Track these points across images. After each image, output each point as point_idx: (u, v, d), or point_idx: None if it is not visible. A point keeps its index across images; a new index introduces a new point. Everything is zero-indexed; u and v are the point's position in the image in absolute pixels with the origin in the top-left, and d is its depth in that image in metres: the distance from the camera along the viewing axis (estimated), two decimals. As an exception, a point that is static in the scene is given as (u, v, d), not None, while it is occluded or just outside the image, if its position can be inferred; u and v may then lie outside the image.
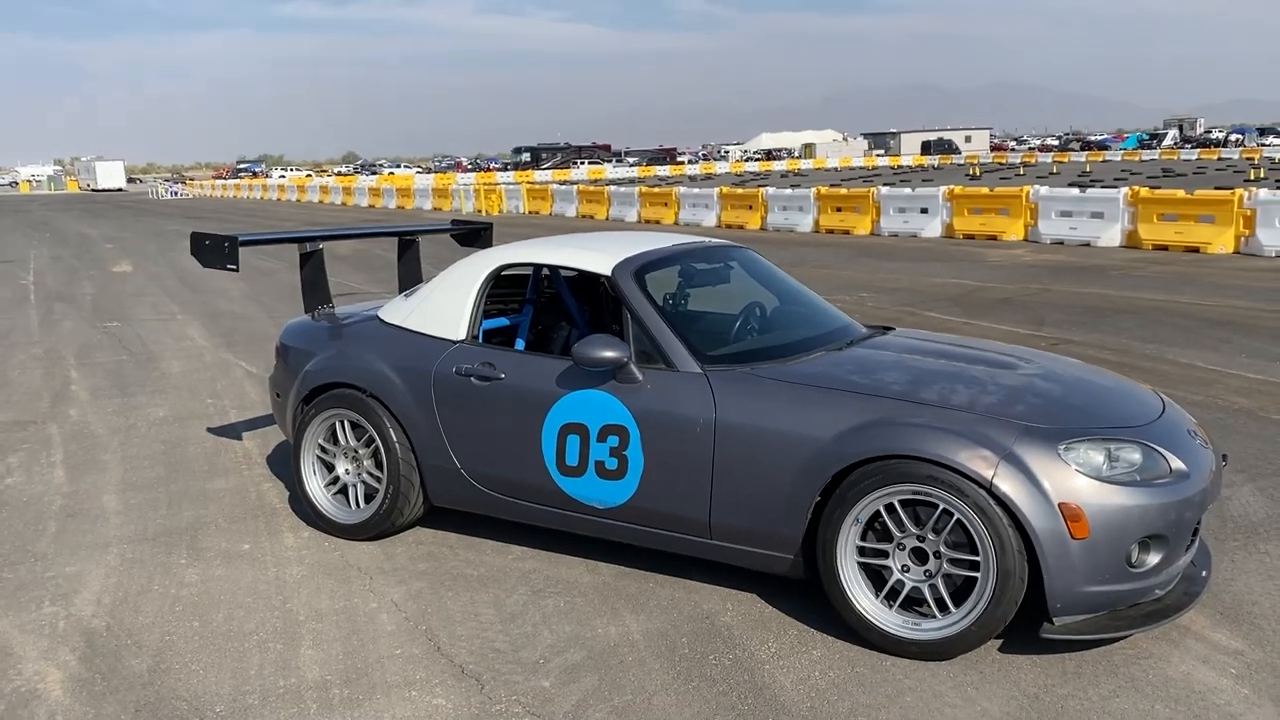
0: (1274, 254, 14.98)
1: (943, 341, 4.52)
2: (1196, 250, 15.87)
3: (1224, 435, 6.23)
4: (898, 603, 3.55)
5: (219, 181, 75.45)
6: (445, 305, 4.55)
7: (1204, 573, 3.86)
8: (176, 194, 65.56)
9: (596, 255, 4.32)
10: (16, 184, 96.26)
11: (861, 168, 73.68)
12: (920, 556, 3.51)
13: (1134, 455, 3.52)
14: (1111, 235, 17.21)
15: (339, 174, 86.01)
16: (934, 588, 3.49)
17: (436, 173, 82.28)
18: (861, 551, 3.58)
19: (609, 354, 3.89)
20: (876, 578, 3.60)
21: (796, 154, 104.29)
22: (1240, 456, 5.82)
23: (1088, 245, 17.37)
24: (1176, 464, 3.54)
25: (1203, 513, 3.57)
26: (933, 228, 20.19)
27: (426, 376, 4.43)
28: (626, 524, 4.04)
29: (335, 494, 4.74)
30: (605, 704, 3.22)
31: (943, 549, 3.46)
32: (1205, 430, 4.26)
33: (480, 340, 4.60)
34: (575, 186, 32.06)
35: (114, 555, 4.54)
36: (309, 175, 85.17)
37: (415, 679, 3.39)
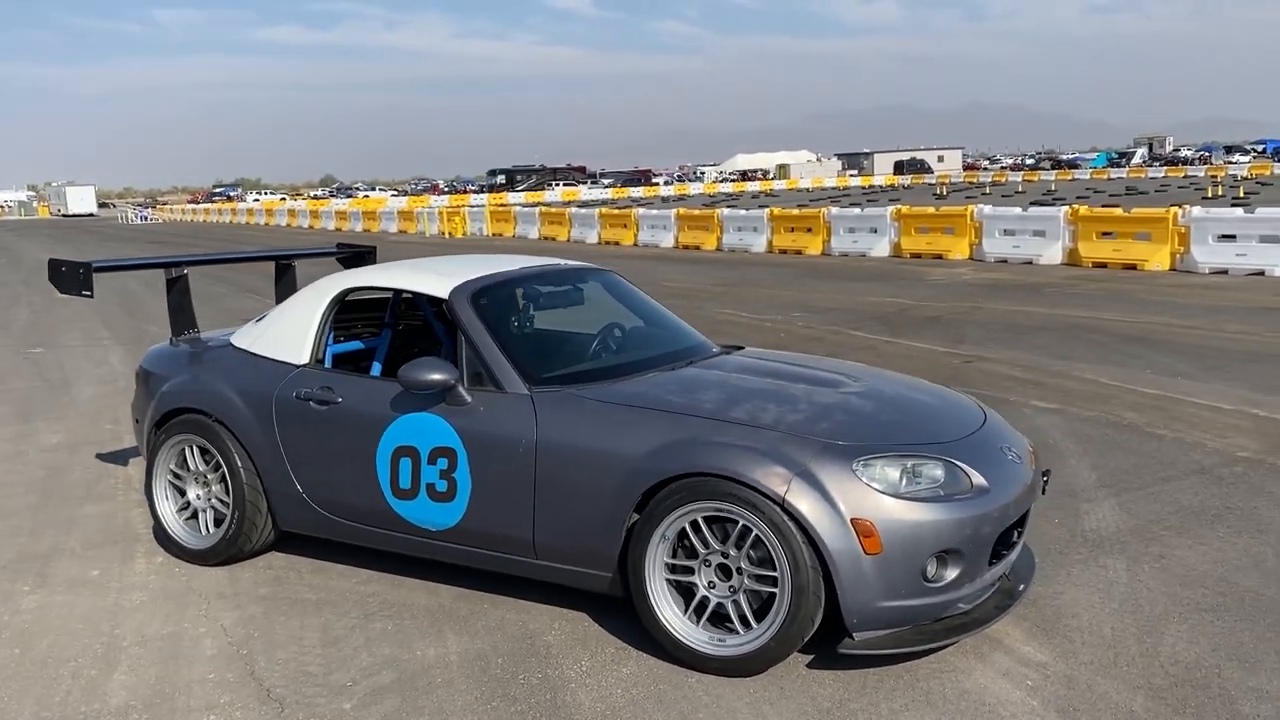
0: (1207, 270, 15.18)
1: (779, 360, 4.58)
2: (1134, 267, 16.06)
3: (1105, 450, 6.32)
4: (704, 619, 3.59)
5: (191, 206, 75.26)
6: (289, 329, 4.59)
7: (1021, 586, 3.92)
8: (146, 219, 65.40)
9: (437, 279, 4.37)
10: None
11: (834, 188, 74.23)
12: (726, 573, 3.55)
13: (935, 471, 3.58)
14: (1053, 253, 17.40)
15: (314, 197, 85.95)
16: (737, 604, 3.54)
17: (411, 195, 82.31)
18: (672, 569, 3.62)
19: (435, 376, 3.92)
20: (690, 595, 3.64)
21: (771, 175, 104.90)
22: (1113, 470, 5.90)
23: (1030, 263, 17.54)
24: (978, 480, 3.60)
25: (1003, 528, 3.63)
26: (881, 247, 20.35)
27: (269, 401, 4.45)
28: (458, 545, 4.07)
29: (187, 519, 4.75)
30: (402, 725, 3.24)
31: (744, 565, 3.51)
32: (1034, 447, 4.33)
33: (327, 364, 4.63)
34: (538, 209, 32.20)
35: (-39, 583, 4.53)
36: (282, 199, 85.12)
37: (218, 703, 3.41)
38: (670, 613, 3.61)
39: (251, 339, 4.71)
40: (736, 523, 3.48)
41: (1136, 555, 4.62)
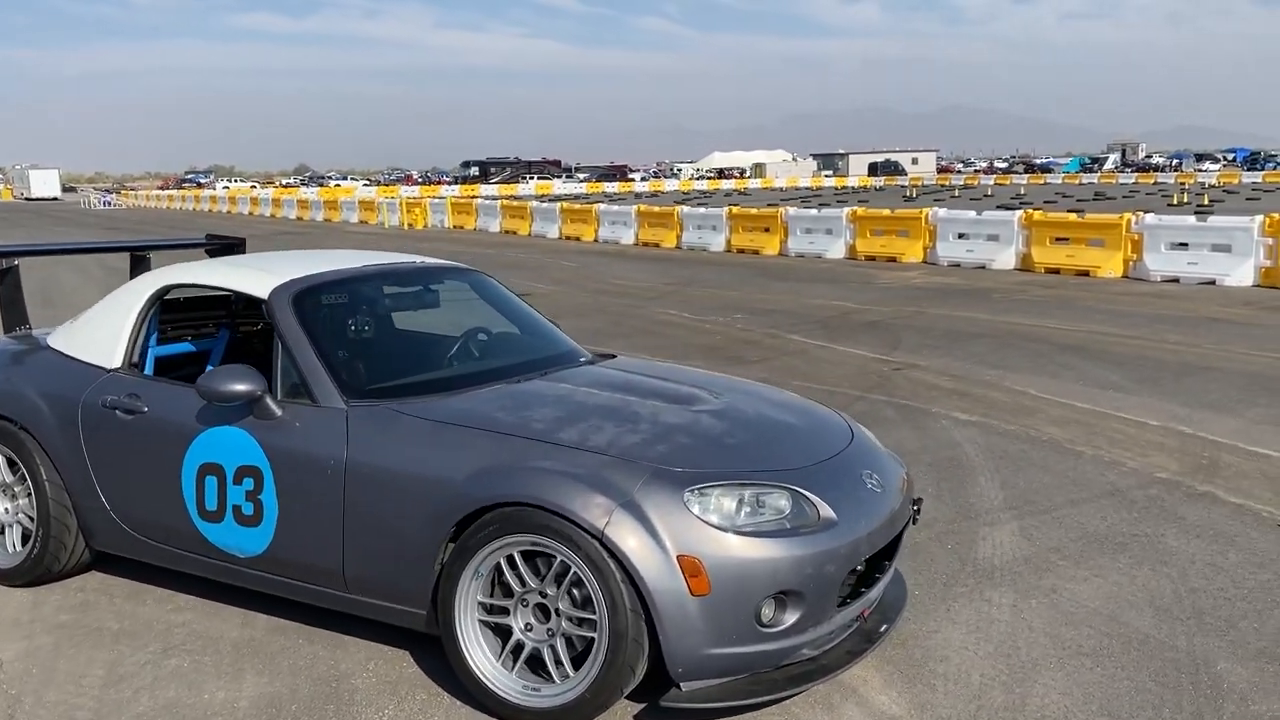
0: (1159, 279, 14.96)
1: (642, 373, 4.21)
2: (1087, 274, 15.82)
3: (1018, 467, 6.00)
4: (519, 665, 3.22)
5: (157, 192, 74.15)
6: (101, 329, 4.17)
7: (884, 626, 3.57)
8: (109, 204, 64.32)
9: (259, 277, 3.96)
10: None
11: (807, 188, 74.06)
12: (545, 614, 3.18)
13: (779, 502, 3.23)
14: (1006, 258, 17.14)
15: (284, 186, 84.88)
16: (554, 649, 3.17)
17: (383, 186, 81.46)
18: (487, 608, 3.25)
19: (238, 387, 3.53)
20: (508, 637, 3.26)
21: (747, 174, 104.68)
22: (1022, 490, 5.58)
23: (983, 268, 17.28)
24: (825, 512, 3.25)
25: (853, 565, 3.28)
26: (837, 249, 20.04)
27: (74, 407, 4.04)
28: (268, 574, 3.68)
29: (12, 535, 4.33)
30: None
31: (563, 606, 3.14)
32: (910, 473, 3.99)
33: (148, 368, 4.22)
34: (499, 202, 31.71)
35: None
36: (252, 187, 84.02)
37: (-43, 755, 3.01)
38: (481, 656, 3.24)
39: (66, 339, 4.29)
40: (554, 558, 3.11)
41: (1026, 589, 4.29)
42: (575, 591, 3.10)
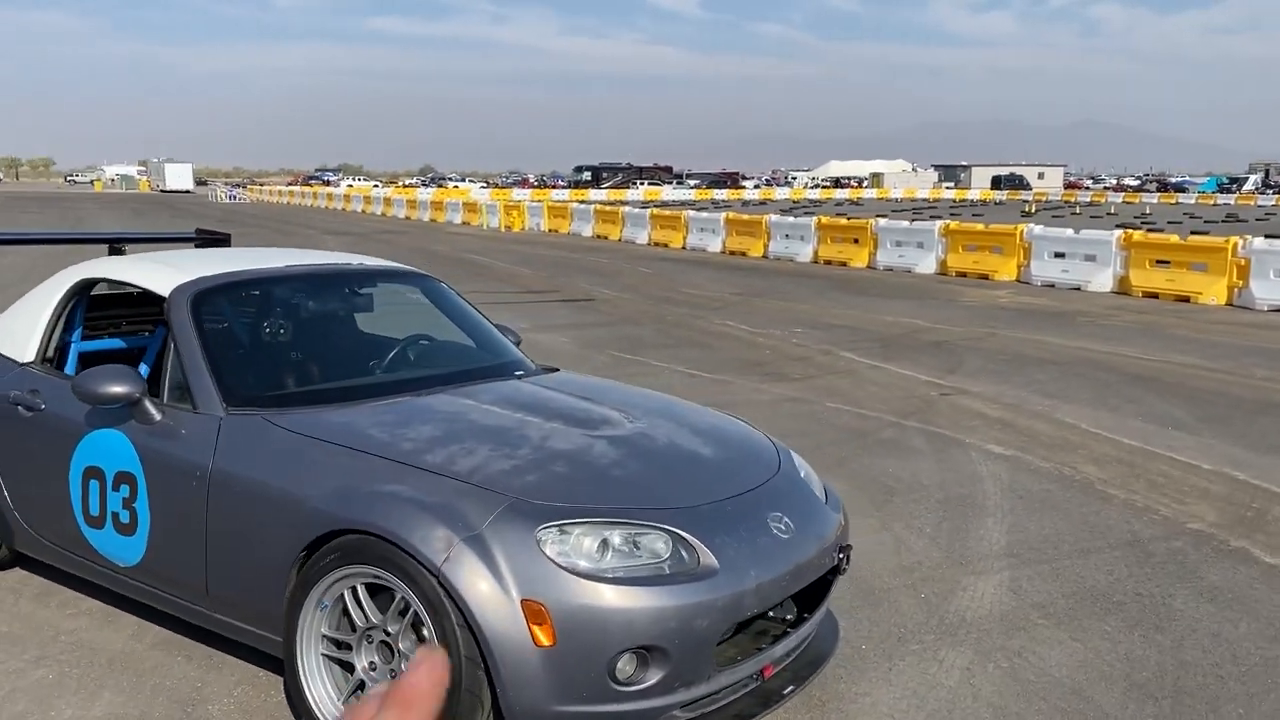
0: (1266, 308, 13.89)
1: (563, 390, 3.90)
2: (1187, 300, 14.82)
3: (1035, 510, 5.49)
4: (361, 708, 2.95)
5: (283, 188, 76.79)
6: (19, 321, 4.08)
7: (789, 689, 3.19)
8: (235, 198, 66.77)
9: (168, 273, 3.79)
10: (92, 183, 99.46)
11: (924, 199, 72.25)
12: (390, 653, 2.91)
13: (656, 544, 2.89)
14: (1103, 280, 16.20)
15: (403, 186, 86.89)
16: (393, 694, 2.89)
17: (498, 188, 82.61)
18: (335, 643, 2.99)
19: (114, 389, 3.36)
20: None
21: (864, 183, 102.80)
22: (1030, 536, 5.08)
23: (1079, 289, 16.36)
24: (706, 559, 2.90)
25: (736, 619, 2.91)
26: (927, 264, 19.29)
27: (-16, 401, 3.95)
28: (146, 586, 3.50)
29: (-81, 527, 4.27)
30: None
31: (402, 646, 2.86)
32: (845, 517, 3.58)
33: (70, 364, 4.11)
34: (593, 206, 31.66)
35: None
36: (375, 185, 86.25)
37: None
38: (323, 693, 2.98)
39: (-10, 328, 4.22)
40: (396, 594, 2.84)
41: (989, 650, 3.84)
42: (416, 632, 2.82)
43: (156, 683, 3.39)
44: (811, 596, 3.40)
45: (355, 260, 4.42)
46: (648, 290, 16.28)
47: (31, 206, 45.59)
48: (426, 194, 48.57)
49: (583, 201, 36.79)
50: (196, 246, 5.78)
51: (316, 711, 2.96)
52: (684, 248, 25.60)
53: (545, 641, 2.69)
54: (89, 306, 4.32)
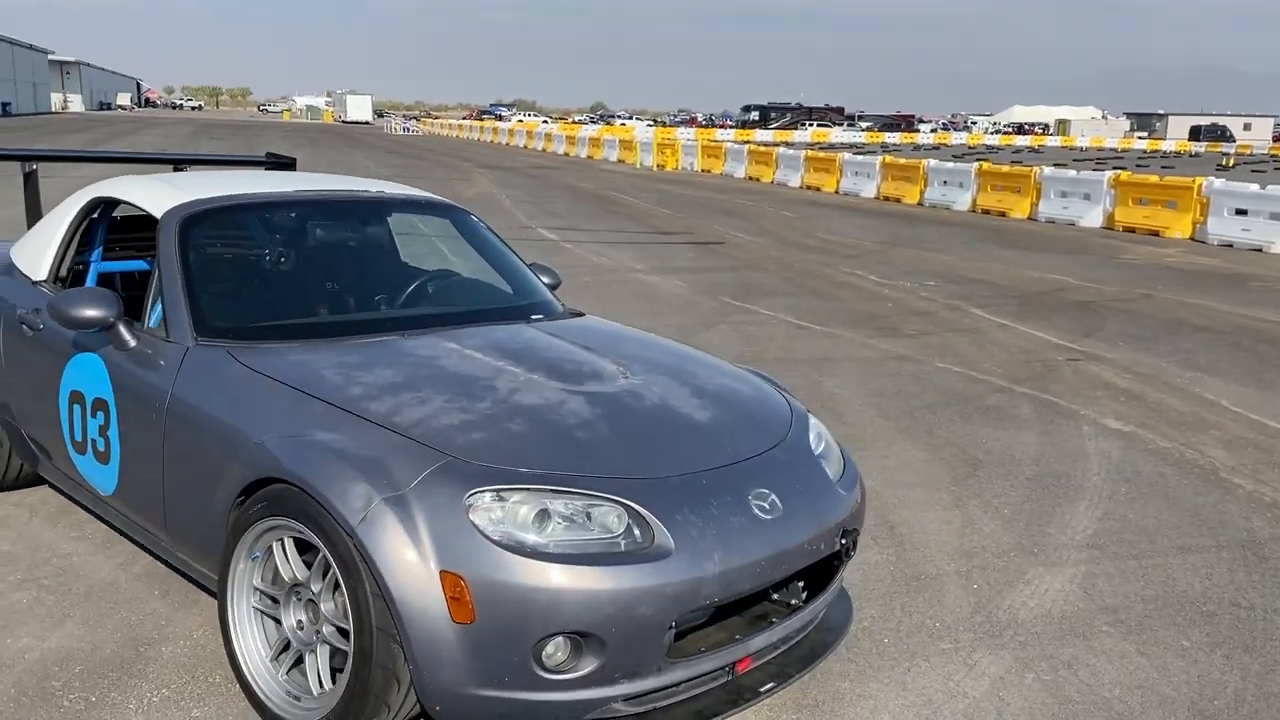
0: None
1: (567, 337, 3.56)
2: (1389, 266, 13.21)
3: (1140, 496, 4.87)
4: (288, 668, 2.75)
5: (455, 121, 78.44)
6: (38, 240, 4.01)
7: (767, 685, 2.82)
8: (409, 130, 68.60)
9: (167, 193, 3.63)
10: (281, 113, 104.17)
11: (1111, 149, 67.86)
12: (316, 614, 2.69)
13: (609, 518, 2.56)
14: (1291, 240, 14.64)
15: (572, 122, 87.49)
16: (315, 655, 2.68)
17: (666, 127, 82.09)
18: (266, 597, 2.79)
19: (86, 313, 3.22)
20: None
21: (1049, 130, 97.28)
22: (1125, 527, 4.50)
23: (1260, 251, 14.86)
24: (661, 539, 2.54)
25: (688, 609, 2.54)
26: (1093, 216, 17.92)
27: (0, 318, 3.92)
28: (122, 515, 3.40)
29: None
30: None
31: (324, 609, 2.64)
32: (862, 496, 3.14)
33: (89, 283, 4.04)
34: (747, 147, 30.90)
35: None
36: (544, 121, 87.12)
37: None
38: (252, 647, 2.79)
39: (18, 249, 4.18)
40: (319, 551, 2.61)
41: (1033, 657, 3.35)
42: (339, 594, 2.59)
43: (122, 617, 3.30)
44: (816, 583, 3.01)
45: (374, 187, 4.18)
46: (783, 235, 15.69)
47: (220, 133, 47.97)
48: (589, 131, 48.56)
49: (738, 142, 35.97)
50: (266, 169, 5.69)
51: (242, 662, 2.78)
52: (837, 192, 24.69)
53: (462, 619, 2.40)
54: (116, 228, 4.24)
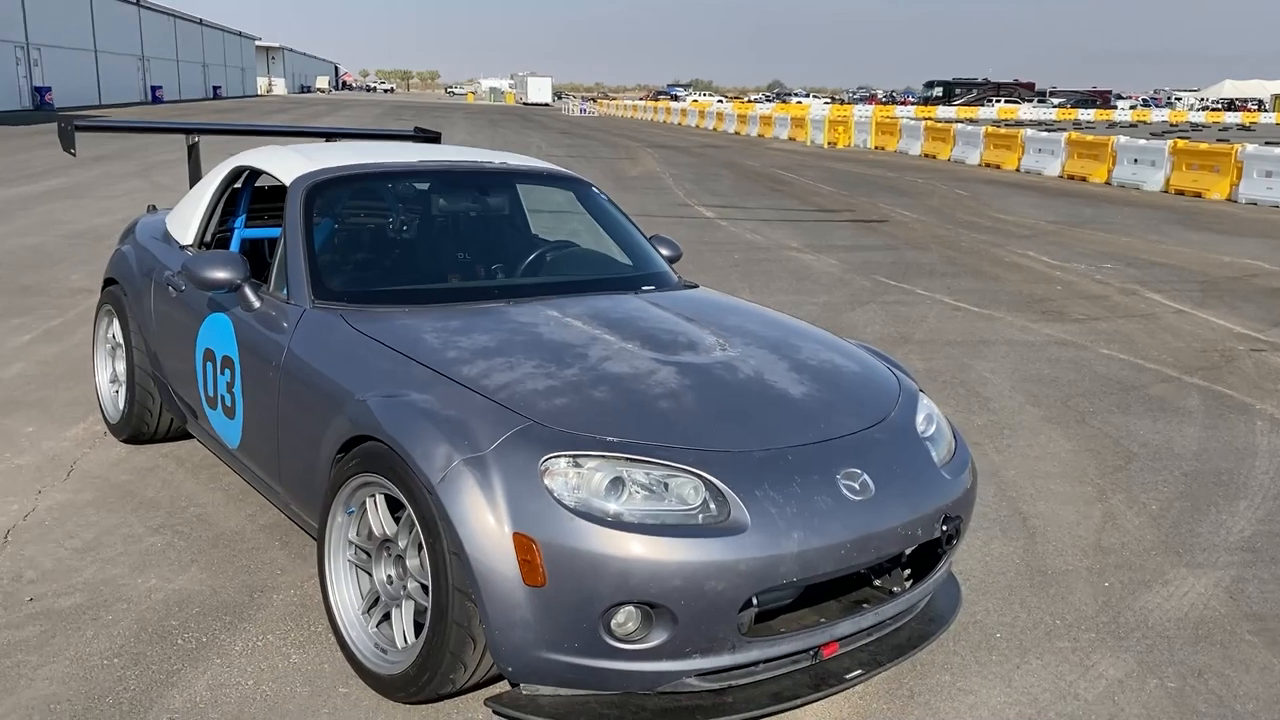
0: None
1: (674, 308, 3.51)
2: None
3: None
4: (378, 622, 2.83)
5: (629, 102, 79.17)
6: (187, 207, 4.25)
7: (855, 672, 2.71)
8: (585, 111, 69.69)
9: (297, 163, 3.77)
10: (465, 95, 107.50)
11: (1333, 126, 62.29)
12: (405, 569, 2.75)
13: (685, 490, 2.51)
14: None
15: (746, 101, 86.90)
16: (400, 610, 2.74)
17: (843, 104, 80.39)
18: (361, 551, 2.88)
19: (219, 274, 3.39)
20: None
21: (1263, 106, 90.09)
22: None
23: None
24: (738, 514, 2.48)
25: (762, 587, 2.46)
26: (1303, 198, 16.49)
27: (150, 280, 4.17)
28: (247, 469, 3.58)
29: (116, 390, 4.63)
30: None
31: (410, 565, 2.69)
32: (973, 480, 2.97)
33: (233, 248, 4.25)
34: (923, 123, 29.88)
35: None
36: (720, 100, 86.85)
37: (-93, 587, 3.22)
38: (346, 599, 2.88)
39: (170, 216, 4.44)
40: (406, 509, 2.66)
41: (1160, 662, 3.11)
42: (423, 551, 2.64)
43: (243, 564, 3.47)
44: (919, 570, 2.88)
45: (498, 159, 4.23)
46: (953, 214, 15.12)
47: (406, 114, 49.89)
48: (763, 109, 48.09)
49: (913, 118, 34.85)
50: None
51: (336, 613, 2.87)
52: (1018, 170, 23.61)
53: (534, 581, 2.41)
54: (258, 197, 4.45)
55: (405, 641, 2.71)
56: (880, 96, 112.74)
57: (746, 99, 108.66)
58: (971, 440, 5.08)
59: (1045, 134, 24.05)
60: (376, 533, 2.78)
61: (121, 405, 4.46)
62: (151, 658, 2.89)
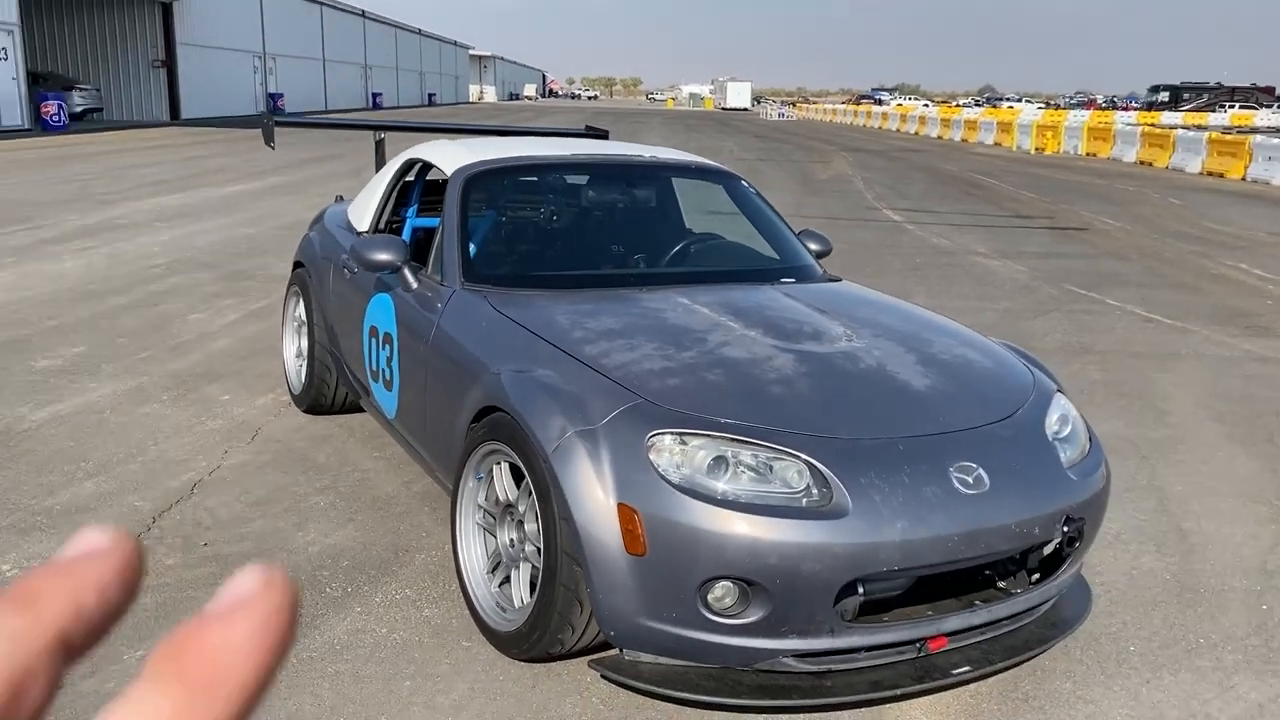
0: None
1: (807, 300, 3.53)
2: None
3: None
4: (500, 582, 3.00)
5: (829, 106, 78.23)
6: (366, 196, 4.57)
7: (962, 669, 2.68)
8: (783, 115, 69.27)
9: (460, 155, 4.01)
10: (665, 101, 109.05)
11: None
12: (523, 533, 2.91)
13: (789, 473, 2.55)
14: None
15: (954, 106, 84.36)
16: (519, 571, 2.90)
17: (1058, 109, 76.81)
18: (487, 514, 3.06)
19: (378, 256, 3.66)
20: None
21: None
22: None
23: None
24: (840, 498, 2.50)
25: (860, 573, 2.47)
26: None
27: (330, 263, 4.52)
28: (402, 438, 3.84)
29: (301, 364, 5.02)
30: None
31: (528, 527, 2.85)
32: (1105, 479, 2.87)
33: (404, 236, 4.55)
34: (1140, 129, 28.20)
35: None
36: (924, 105, 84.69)
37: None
38: (473, 559, 3.06)
39: (351, 205, 4.79)
40: (525, 475, 2.82)
41: (1311, 692, 2.91)
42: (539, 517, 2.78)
43: (393, 526, 3.73)
44: (1043, 572, 2.82)
45: (648, 153, 4.35)
46: (1161, 223, 14.25)
47: (605, 118, 51.13)
48: (968, 114, 46.59)
49: (1130, 123, 32.94)
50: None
51: (465, 572, 3.06)
52: (1244, 179, 21.95)
53: (635, 550, 2.51)
54: (430, 189, 4.75)
55: (521, 601, 2.86)
56: (1100, 102, 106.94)
57: (955, 103, 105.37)
58: (1140, 454, 4.84)
59: (1277, 140, 22.26)
60: (501, 498, 2.94)
61: (303, 378, 4.84)
62: (302, 602, 3.16)
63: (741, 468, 2.56)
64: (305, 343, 4.87)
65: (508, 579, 2.97)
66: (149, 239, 10.04)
